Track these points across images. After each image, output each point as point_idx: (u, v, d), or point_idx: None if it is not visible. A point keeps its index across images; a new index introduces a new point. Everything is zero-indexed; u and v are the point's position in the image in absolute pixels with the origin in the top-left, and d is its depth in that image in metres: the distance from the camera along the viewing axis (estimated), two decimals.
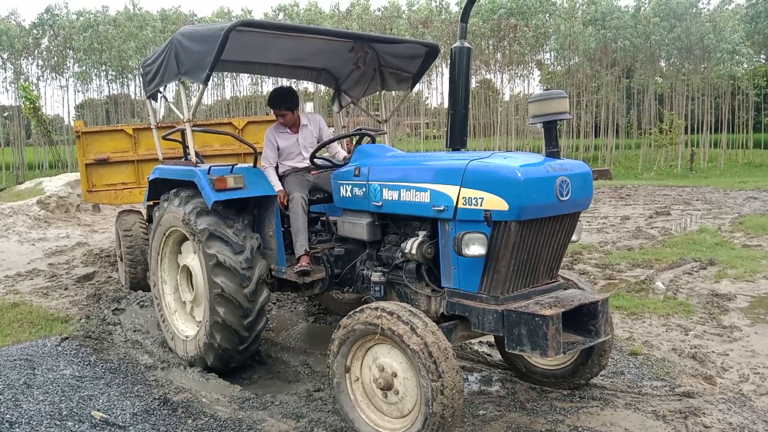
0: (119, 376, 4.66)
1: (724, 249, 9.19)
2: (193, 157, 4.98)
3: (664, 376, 4.56)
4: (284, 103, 5.20)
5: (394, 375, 3.34)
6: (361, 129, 5.23)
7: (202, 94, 4.84)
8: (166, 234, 5.14)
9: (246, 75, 38.12)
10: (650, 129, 39.08)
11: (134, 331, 5.79)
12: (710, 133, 40.13)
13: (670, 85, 41.38)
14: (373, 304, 3.46)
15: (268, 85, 41.86)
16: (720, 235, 10.34)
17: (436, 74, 43.54)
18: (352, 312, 3.51)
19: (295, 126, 5.31)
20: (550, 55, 42.88)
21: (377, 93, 5.88)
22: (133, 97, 43.16)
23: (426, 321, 3.26)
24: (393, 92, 6.29)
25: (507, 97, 45.18)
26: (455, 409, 3.11)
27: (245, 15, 42.25)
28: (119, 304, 6.65)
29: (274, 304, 6.77)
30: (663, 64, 42.85)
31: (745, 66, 39.29)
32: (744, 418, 3.87)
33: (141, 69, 5.80)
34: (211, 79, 4.61)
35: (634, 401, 4.12)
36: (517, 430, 3.73)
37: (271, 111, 5.45)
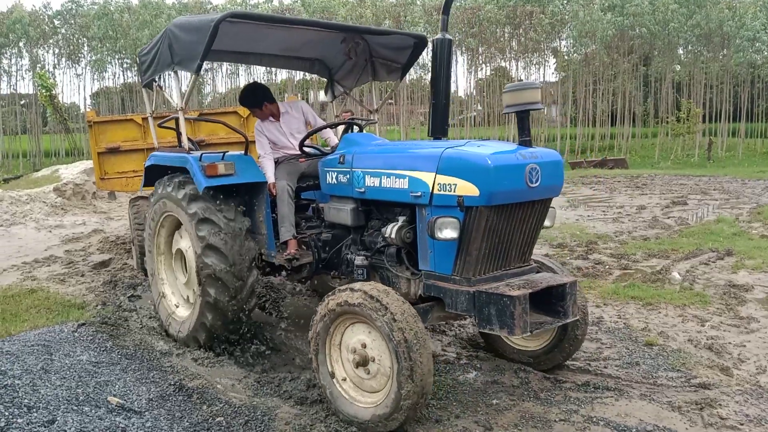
0: (135, 362, 4.71)
1: (742, 239, 9.08)
2: (185, 144, 5.12)
3: (679, 367, 4.53)
4: (254, 99, 5.40)
5: (372, 359, 3.52)
6: (351, 118, 5.31)
7: (194, 83, 4.96)
8: (161, 218, 5.31)
9: None
10: (667, 118, 38.51)
11: (150, 317, 5.85)
12: (728, 122, 39.52)
13: (688, 73, 40.74)
14: (332, 295, 3.67)
15: (282, 73, 41.80)
16: (737, 225, 10.22)
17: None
18: (311, 322, 3.76)
19: (274, 115, 5.47)
20: (567, 43, 42.37)
21: (370, 83, 5.96)
22: None
23: (401, 302, 3.43)
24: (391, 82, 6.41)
25: None
26: (425, 387, 3.31)
27: (262, 2, 42.05)
28: (135, 291, 6.72)
29: (289, 292, 6.79)
30: (681, 52, 42.19)
31: (766, 54, 38.53)
32: (761, 410, 3.83)
33: (137, 59, 5.92)
34: (211, 69, 4.70)
35: (649, 392, 4.09)
36: (531, 419, 3.73)
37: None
